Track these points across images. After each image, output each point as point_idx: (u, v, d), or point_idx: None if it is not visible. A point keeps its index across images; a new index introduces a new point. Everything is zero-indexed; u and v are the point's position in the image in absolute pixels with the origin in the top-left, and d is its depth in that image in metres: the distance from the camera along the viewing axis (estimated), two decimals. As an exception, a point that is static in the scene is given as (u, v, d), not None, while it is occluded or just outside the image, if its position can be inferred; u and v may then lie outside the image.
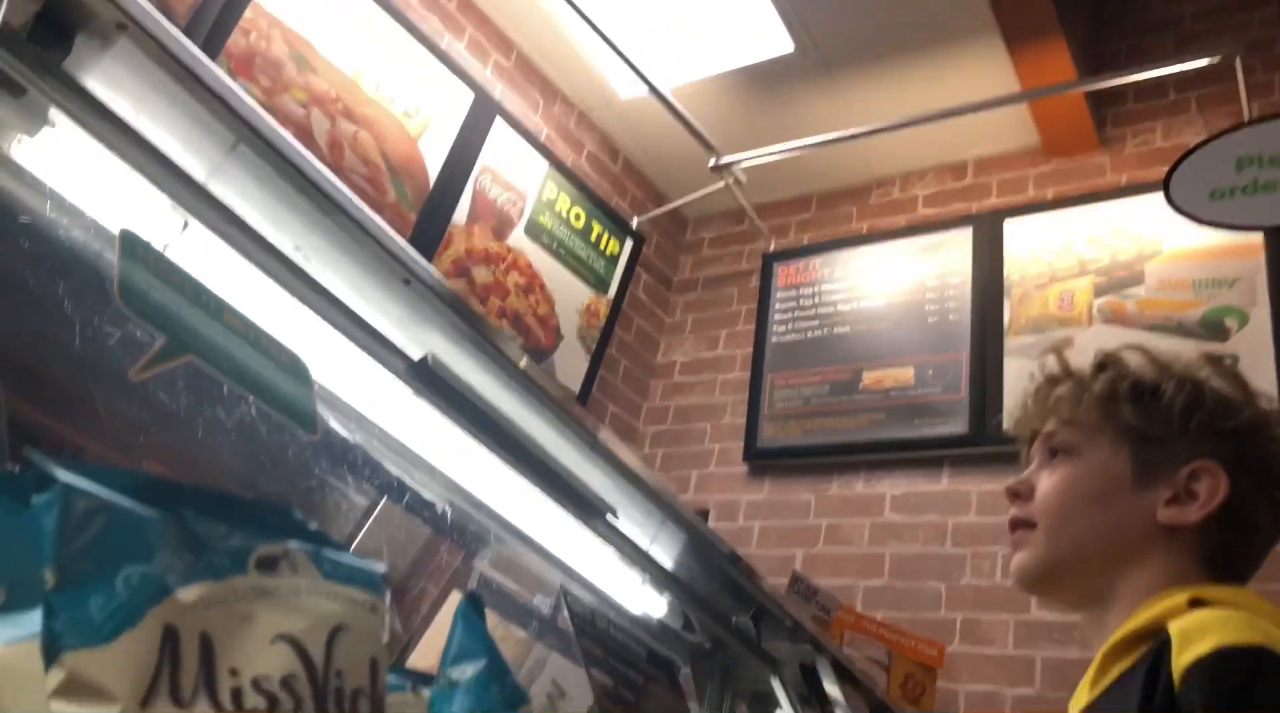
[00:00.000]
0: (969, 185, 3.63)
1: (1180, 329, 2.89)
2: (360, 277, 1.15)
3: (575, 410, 1.38)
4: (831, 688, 1.67)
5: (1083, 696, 0.95)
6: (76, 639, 0.37)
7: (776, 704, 1.70)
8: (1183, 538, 0.99)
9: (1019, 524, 1.09)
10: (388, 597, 0.48)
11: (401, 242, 1.14)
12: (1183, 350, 1.11)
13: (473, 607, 0.62)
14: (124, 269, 0.88)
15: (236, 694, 0.40)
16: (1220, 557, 1.00)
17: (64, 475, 0.38)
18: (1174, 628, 0.85)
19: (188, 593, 0.40)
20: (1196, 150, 2.76)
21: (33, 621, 0.39)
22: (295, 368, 1.04)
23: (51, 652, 0.37)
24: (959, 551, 2.92)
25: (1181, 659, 0.81)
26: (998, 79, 3.28)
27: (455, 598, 1.92)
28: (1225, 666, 0.79)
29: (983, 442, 3.01)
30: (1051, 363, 1.15)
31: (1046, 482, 1.08)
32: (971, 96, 3.25)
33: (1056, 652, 2.64)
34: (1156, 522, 1.00)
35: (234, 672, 0.41)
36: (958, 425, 3.09)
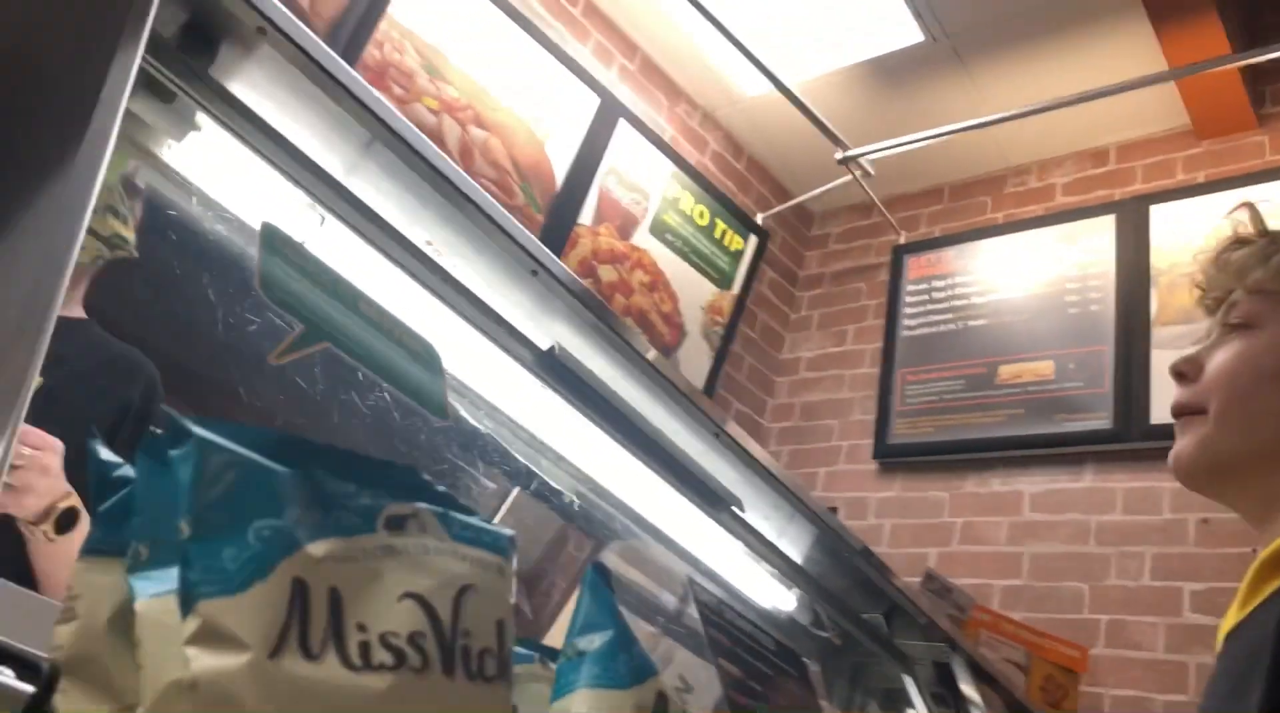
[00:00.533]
0: (1111, 171, 3.47)
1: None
2: (489, 268, 1.17)
3: (701, 402, 1.37)
4: (967, 688, 1.61)
5: (1231, 617, 0.84)
6: (210, 588, 0.39)
7: (909, 703, 1.66)
8: None
9: (1185, 410, 0.93)
10: (514, 561, 0.49)
11: (529, 234, 1.16)
12: None
13: (600, 577, 0.61)
14: (264, 261, 0.91)
15: (365, 649, 0.41)
16: None
17: (199, 430, 0.40)
18: None
19: (317, 548, 0.41)
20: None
21: (173, 577, 0.41)
22: (427, 356, 1.06)
23: (187, 600, 0.39)
24: (1103, 550, 2.79)
25: None
26: (1142, 58, 3.12)
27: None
28: None
29: (1129, 438, 2.87)
30: (1243, 220, 0.97)
31: (1218, 357, 0.92)
32: (1113, 78, 3.10)
33: (1212, 658, 2.49)
34: None
35: (362, 627, 0.41)
36: (1102, 421, 2.95)
